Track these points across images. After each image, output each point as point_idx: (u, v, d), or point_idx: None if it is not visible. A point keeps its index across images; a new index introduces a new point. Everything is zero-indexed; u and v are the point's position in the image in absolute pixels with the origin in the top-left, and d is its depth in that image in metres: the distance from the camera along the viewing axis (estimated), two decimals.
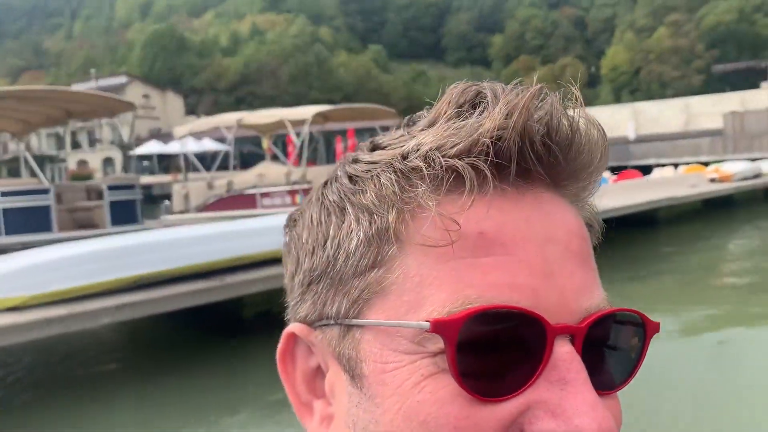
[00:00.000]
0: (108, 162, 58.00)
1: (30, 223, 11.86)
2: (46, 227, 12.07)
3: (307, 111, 16.93)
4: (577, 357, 0.40)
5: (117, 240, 6.45)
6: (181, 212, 18.23)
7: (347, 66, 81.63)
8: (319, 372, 0.48)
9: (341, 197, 0.45)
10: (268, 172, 16.66)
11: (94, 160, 55.89)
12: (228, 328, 6.60)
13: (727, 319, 6.85)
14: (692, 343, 6.17)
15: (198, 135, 25.65)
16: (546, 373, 0.39)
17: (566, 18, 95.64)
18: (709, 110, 39.63)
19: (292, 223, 0.51)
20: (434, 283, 0.40)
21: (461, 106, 0.43)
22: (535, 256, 0.41)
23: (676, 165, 27.50)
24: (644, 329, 0.45)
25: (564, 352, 0.40)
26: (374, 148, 0.47)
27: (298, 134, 16.64)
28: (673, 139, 33.39)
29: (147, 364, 6.29)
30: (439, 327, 0.38)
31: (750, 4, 72.45)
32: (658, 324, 0.45)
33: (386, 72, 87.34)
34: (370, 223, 0.43)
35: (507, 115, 0.41)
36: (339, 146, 22.40)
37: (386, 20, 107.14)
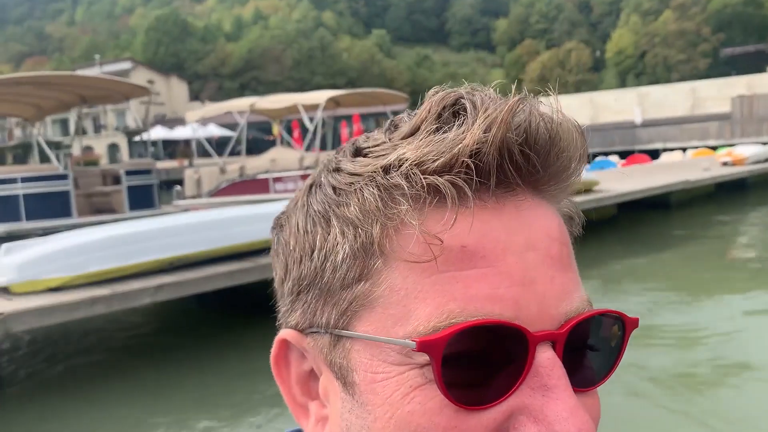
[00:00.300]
0: (113, 148, 58.10)
1: (50, 208, 12.00)
2: (66, 212, 12.20)
3: (321, 96, 16.96)
4: (558, 363, 0.41)
5: (151, 222, 6.56)
6: (193, 197, 18.33)
7: (351, 51, 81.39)
8: (312, 375, 0.49)
9: (326, 208, 0.46)
10: (281, 156, 16.73)
11: (99, 145, 55.96)
12: (254, 309, 6.69)
13: (740, 306, 6.93)
14: (707, 327, 6.26)
15: (205, 121, 25.69)
16: (528, 380, 0.41)
17: (571, 1, 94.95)
18: (716, 94, 39.43)
19: (278, 227, 0.52)
20: (419, 297, 0.41)
21: (440, 116, 0.44)
22: (516, 266, 0.42)
23: (684, 149, 27.48)
24: (623, 326, 0.46)
25: (545, 358, 0.41)
26: (356, 153, 0.47)
27: (311, 119, 16.68)
28: (681, 123, 33.29)
29: (174, 345, 6.40)
30: (424, 346, 0.39)
31: None
32: (636, 320, 0.47)
33: (390, 57, 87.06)
34: (355, 237, 0.43)
35: (486, 129, 0.41)
36: (344, 131, 22.44)
37: (390, 4, 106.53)
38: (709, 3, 71.16)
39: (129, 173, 13.03)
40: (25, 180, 11.99)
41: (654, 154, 27.46)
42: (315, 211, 0.47)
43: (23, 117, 16.51)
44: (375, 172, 0.44)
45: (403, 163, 0.43)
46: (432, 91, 0.46)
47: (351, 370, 0.44)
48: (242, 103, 18.80)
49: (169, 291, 5.49)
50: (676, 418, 4.40)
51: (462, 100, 0.44)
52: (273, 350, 0.50)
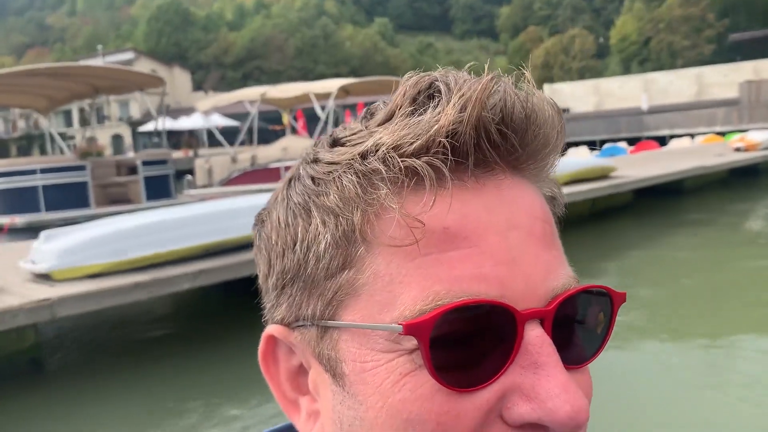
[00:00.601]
0: (117, 139, 58.14)
1: (68, 199, 12.09)
2: (84, 203, 12.29)
3: (332, 84, 17.01)
4: (548, 340, 0.41)
5: (187, 209, 6.65)
6: (204, 186, 18.42)
7: (354, 39, 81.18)
8: (301, 369, 0.49)
9: (305, 199, 0.46)
10: (292, 145, 16.80)
11: (103, 136, 56.01)
12: None
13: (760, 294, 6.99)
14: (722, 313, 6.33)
15: (214, 110, 25.74)
16: (519, 359, 0.40)
17: None
18: (722, 80, 39.41)
19: (260, 223, 0.52)
20: (404, 281, 0.41)
21: (415, 99, 0.44)
22: (499, 245, 0.41)
23: (691, 135, 27.47)
24: (611, 302, 0.46)
25: (534, 336, 0.41)
26: (334, 143, 0.47)
27: (322, 108, 16.74)
28: (687, 110, 33.23)
29: (203, 332, 6.47)
30: (411, 329, 0.39)
31: None
32: (624, 294, 0.47)
33: (393, 45, 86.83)
34: (336, 226, 0.43)
35: (461, 109, 0.41)
36: (348, 120, 22.45)
37: None
38: None
39: (146, 163, 13.09)
40: (44, 171, 12.07)
41: (661, 141, 27.47)
42: (295, 203, 0.46)
43: (35, 108, 16.58)
44: (353, 159, 0.44)
45: (380, 148, 0.42)
46: (406, 76, 0.46)
47: (340, 361, 0.43)
48: (253, 92, 18.86)
49: (207, 277, 5.58)
50: (700, 393, 4.49)
51: (436, 82, 0.44)
52: (260, 347, 0.49)
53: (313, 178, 0.46)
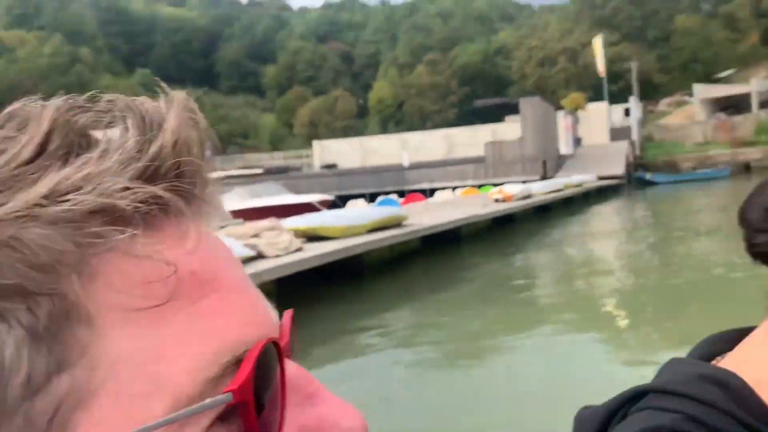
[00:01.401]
0: None
1: None
2: None
3: None
4: (302, 368, 0.35)
5: None
6: None
7: (114, 89, 75.34)
8: None
9: None
10: None
11: None
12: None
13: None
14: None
15: None
16: (291, 398, 0.34)
17: (334, 52, 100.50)
18: (467, 141, 45.05)
19: None
20: (166, 353, 0.29)
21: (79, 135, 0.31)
22: (235, 282, 0.34)
23: (450, 188, 30.76)
24: (293, 321, 0.39)
25: (294, 368, 0.35)
26: None
27: None
28: (443, 166, 37.35)
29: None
30: (241, 392, 0.30)
31: (492, 47, 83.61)
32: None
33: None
34: (31, 310, 0.28)
35: (174, 128, 0.32)
36: None
37: (154, 43, 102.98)
38: (455, 60, 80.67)
39: None
40: None
41: (424, 193, 30.31)
42: None
43: None
44: (32, 206, 0.28)
45: (88, 181, 0.29)
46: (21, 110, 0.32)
47: None
48: None
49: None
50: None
51: (110, 106, 0.33)
52: None
53: None
